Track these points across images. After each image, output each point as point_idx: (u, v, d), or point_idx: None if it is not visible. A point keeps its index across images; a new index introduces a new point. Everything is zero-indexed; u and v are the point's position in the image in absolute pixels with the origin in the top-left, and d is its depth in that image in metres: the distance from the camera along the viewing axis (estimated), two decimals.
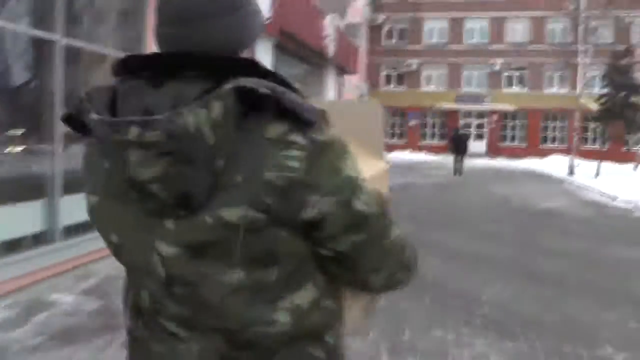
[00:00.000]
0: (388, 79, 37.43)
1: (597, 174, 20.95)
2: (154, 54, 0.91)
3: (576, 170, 21.96)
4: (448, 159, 26.70)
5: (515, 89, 35.69)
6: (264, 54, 11.31)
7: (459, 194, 14.70)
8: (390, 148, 33.31)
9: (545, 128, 35.40)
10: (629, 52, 21.69)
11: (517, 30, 35.44)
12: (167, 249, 0.90)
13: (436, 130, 36.77)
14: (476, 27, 35.93)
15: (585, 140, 31.30)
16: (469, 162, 21.96)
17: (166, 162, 0.83)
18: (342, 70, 18.50)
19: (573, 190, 17.00)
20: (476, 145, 33.91)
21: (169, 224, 0.89)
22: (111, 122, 0.85)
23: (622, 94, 20.62)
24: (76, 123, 0.95)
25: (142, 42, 6.90)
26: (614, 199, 14.55)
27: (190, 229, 0.87)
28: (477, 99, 35.60)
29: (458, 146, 20.84)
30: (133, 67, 0.92)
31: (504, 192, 15.49)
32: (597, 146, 29.75)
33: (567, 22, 33.65)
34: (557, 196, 14.98)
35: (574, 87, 33.67)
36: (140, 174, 0.85)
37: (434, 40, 36.57)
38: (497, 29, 35.60)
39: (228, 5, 0.92)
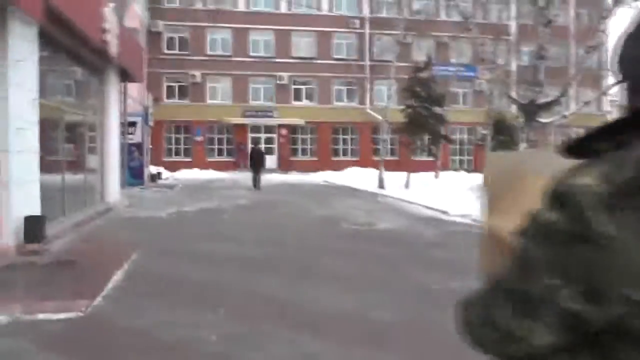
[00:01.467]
0: (171, 91, 34.46)
1: (407, 186, 20.96)
2: None
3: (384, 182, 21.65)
4: (238, 175, 26.64)
5: (304, 102, 35.48)
6: (22, 44, 7.97)
7: (275, 216, 12.92)
8: (176, 166, 31.75)
9: (336, 141, 35.72)
10: (428, 65, 22.20)
11: (303, 44, 35.33)
12: None
13: (223, 145, 34.88)
14: (261, 39, 35.05)
15: (376, 151, 31.55)
16: (263, 177, 21.22)
17: None
18: (127, 76, 15.41)
19: (394, 205, 16.24)
20: (267, 160, 32.88)
21: None
22: None
23: (424, 105, 20.96)
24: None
25: None
26: (446, 213, 13.81)
27: None
28: (265, 113, 34.62)
29: (256, 161, 20.73)
30: None
31: (327, 211, 14.05)
32: (396, 157, 30.73)
33: (352, 39, 34.94)
34: (384, 213, 13.96)
35: (362, 101, 34.85)
36: None
37: (218, 51, 34.73)
38: (283, 43, 35.07)
39: None
